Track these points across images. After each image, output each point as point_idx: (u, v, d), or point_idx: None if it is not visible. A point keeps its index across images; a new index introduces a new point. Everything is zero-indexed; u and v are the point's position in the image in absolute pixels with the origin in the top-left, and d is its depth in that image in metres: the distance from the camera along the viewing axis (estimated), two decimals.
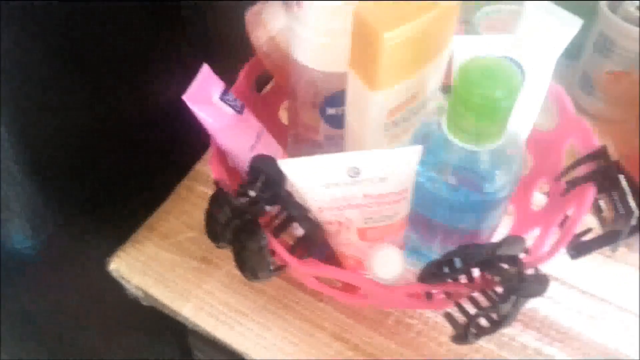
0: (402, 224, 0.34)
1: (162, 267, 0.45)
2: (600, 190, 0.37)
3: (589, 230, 0.38)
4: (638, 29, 0.49)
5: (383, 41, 0.26)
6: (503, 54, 0.35)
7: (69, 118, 0.45)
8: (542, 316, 0.42)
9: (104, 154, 0.50)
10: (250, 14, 0.38)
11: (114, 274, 0.47)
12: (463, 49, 0.33)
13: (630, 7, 0.50)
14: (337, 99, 0.35)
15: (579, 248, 0.38)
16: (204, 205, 0.49)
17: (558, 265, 0.45)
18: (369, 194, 0.30)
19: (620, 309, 0.43)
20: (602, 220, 0.38)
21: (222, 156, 0.37)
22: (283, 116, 0.47)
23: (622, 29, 0.49)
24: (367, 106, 0.30)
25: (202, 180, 0.52)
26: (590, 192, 0.35)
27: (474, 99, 0.27)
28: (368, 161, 0.29)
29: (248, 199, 0.32)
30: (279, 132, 0.43)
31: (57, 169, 0.46)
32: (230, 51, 0.46)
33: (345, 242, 0.34)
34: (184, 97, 0.34)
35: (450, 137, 0.30)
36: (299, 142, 0.41)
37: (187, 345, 0.57)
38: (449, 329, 0.39)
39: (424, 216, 0.36)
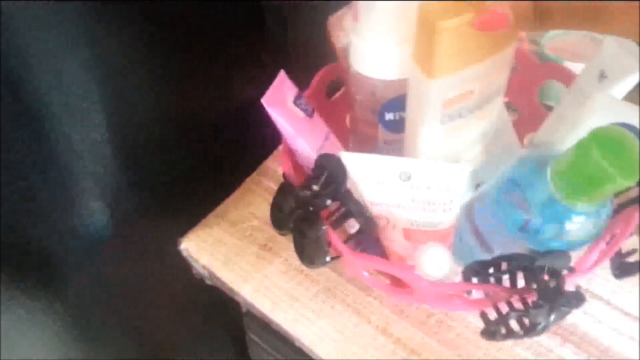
0: (446, 233, 0.36)
1: (227, 250, 0.50)
2: None
3: (634, 251, 0.39)
4: None
5: (439, 27, 0.28)
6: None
7: (155, 112, 0.50)
8: (582, 332, 0.44)
9: (185, 147, 0.55)
10: (333, 18, 0.42)
11: (184, 253, 0.52)
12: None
13: None
14: (395, 104, 0.38)
15: (624, 268, 0.39)
16: (269, 198, 0.53)
17: (603, 285, 0.46)
18: (416, 198, 0.33)
19: None
20: None
21: (292, 154, 0.41)
22: (349, 121, 0.51)
23: None
24: (424, 94, 0.32)
25: (269, 176, 0.56)
26: (636, 213, 0.37)
27: (592, 167, 0.28)
28: (419, 169, 0.32)
29: (311, 192, 0.36)
30: (344, 136, 0.47)
31: (140, 157, 0.51)
32: (307, 58, 0.50)
33: (391, 239, 0.37)
34: (262, 100, 0.38)
35: (552, 188, 0.31)
36: (359, 145, 0.44)
37: (242, 328, 0.61)
38: None
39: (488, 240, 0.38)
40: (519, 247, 0.36)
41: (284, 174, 0.38)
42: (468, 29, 0.29)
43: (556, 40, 0.56)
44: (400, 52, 0.35)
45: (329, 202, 0.36)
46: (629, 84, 0.38)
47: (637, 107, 0.37)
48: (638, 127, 0.37)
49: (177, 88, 0.51)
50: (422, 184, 0.33)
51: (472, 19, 0.28)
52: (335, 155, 0.36)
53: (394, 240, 0.37)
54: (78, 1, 0.38)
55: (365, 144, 0.43)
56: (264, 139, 0.58)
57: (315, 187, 0.36)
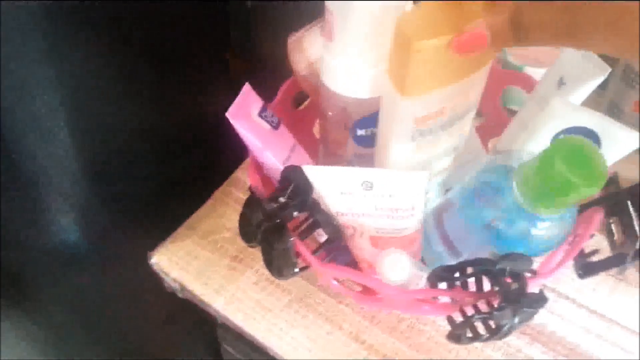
0: (412, 238, 0.37)
1: (198, 264, 0.50)
2: (610, 213, 0.39)
3: (596, 251, 0.40)
4: None
5: (414, 47, 0.28)
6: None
7: (122, 125, 0.49)
8: (549, 331, 0.45)
9: (153, 159, 0.55)
10: (292, 40, 0.42)
11: (155, 267, 0.51)
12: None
13: None
14: (367, 121, 0.38)
15: (587, 268, 0.40)
16: (240, 209, 0.54)
17: (569, 284, 0.47)
18: (380, 206, 0.34)
19: (627, 330, 0.45)
20: (612, 243, 0.41)
21: (259, 167, 0.41)
22: (317, 131, 0.51)
23: None
24: (396, 111, 0.33)
25: (239, 187, 0.56)
26: (597, 214, 0.38)
27: (556, 178, 0.29)
28: (380, 178, 0.33)
29: (278, 204, 0.36)
30: (312, 146, 0.47)
31: (109, 171, 0.51)
32: (274, 70, 0.50)
33: (359, 247, 0.38)
34: (227, 114, 0.38)
35: (518, 196, 0.32)
36: (328, 157, 0.44)
37: (216, 338, 0.61)
38: None
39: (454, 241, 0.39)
40: (487, 251, 0.37)
41: (250, 187, 0.38)
42: (445, 49, 0.29)
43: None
44: (374, 71, 0.35)
45: (296, 213, 0.36)
46: (587, 90, 0.40)
47: (594, 111, 0.38)
48: (595, 131, 0.38)
49: (143, 100, 0.50)
50: (384, 192, 0.33)
51: (450, 41, 0.28)
52: (301, 167, 0.37)
53: (362, 248, 0.38)
54: (37, 11, 0.37)
55: (335, 156, 0.43)
56: (233, 149, 0.59)
57: (281, 199, 0.36)
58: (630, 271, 0.48)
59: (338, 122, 0.40)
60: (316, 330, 0.45)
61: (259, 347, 0.47)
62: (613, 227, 0.43)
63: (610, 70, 0.38)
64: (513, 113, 0.55)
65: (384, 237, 0.36)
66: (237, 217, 0.53)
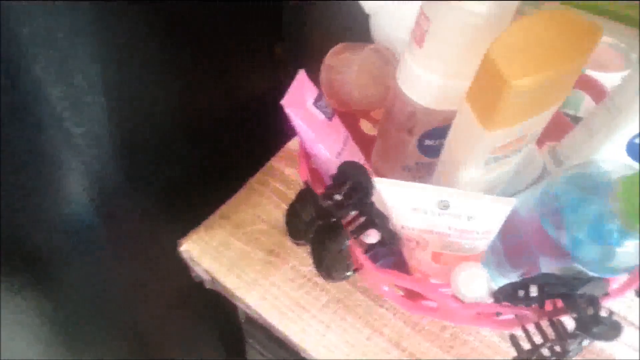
0: (477, 257, 0.34)
1: (232, 255, 0.47)
2: None
3: None
4: None
5: (510, 89, 0.27)
6: None
7: (158, 107, 0.47)
8: (598, 350, 0.42)
9: (186, 143, 0.53)
10: (329, 58, 0.42)
11: (184, 255, 0.49)
12: None
13: None
14: (437, 132, 0.37)
15: None
16: (277, 200, 0.51)
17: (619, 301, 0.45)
18: (454, 226, 0.31)
19: None
20: None
21: (308, 159, 0.39)
22: (364, 127, 0.49)
23: None
24: (476, 142, 0.31)
25: (276, 177, 0.54)
26: None
27: None
28: (460, 199, 0.30)
29: (333, 202, 0.34)
30: (361, 142, 0.44)
31: (140, 153, 0.48)
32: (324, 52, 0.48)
33: (418, 259, 0.35)
34: (282, 102, 0.35)
35: (616, 208, 0.30)
36: (384, 158, 0.42)
37: (237, 328, 0.59)
38: (503, 349, 0.39)
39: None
40: (554, 266, 0.35)
41: (305, 182, 0.36)
42: (538, 87, 0.28)
43: None
44: (455, 84, 0.33)
45: (352, 213, 0.34)
46: None
47: None
48: None
49: (183, 83, 0.48)
50: (461, 214, 0.31)
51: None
52: (360, 164, 0.34)
53: (420, 260, 0.35)
54: None
55: (392, 158, 0.41)
56: (270, 137, 0.56)
57: (337, 197, 0.34)
58: None
59: (404, 127, 0.37)
60: (355, 334, 0.43)
61: (288, 347, 0.44)
62: None
63: None
64: (569, 116, 0.52)
65: (448, 254, 0.34)
66: (273, 209, 0.51)
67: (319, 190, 0.35)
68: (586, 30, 0.31)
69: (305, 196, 0.35)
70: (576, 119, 0.51)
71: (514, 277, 0.38)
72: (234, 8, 0.48)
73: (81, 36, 0.37)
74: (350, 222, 0.35)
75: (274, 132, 0.53)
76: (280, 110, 0.36)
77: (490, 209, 0.31)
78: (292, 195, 0.52)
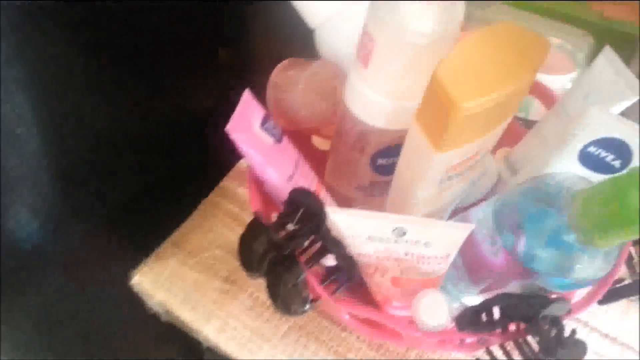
0: (438, 280, 0.33)
1: (185, 285, 0.45)
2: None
3: (621, 280, 0.37)
4: None
5: (459, 112, 0.26)
6: None
7: (99, 124, 0.44)
8: None
9: (131, 165, 0.50)
10: (276, 75, 0.41)
11: (137, 288, 0.47)
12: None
13: None
14: (389, 151, 0.35)
15: (608, 294, 0.38)
16: (231, 223, 0.49)
17: None
18: (411, 252, 0.30)
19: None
20: (631, 269, 0.38)
21: (260, 184, 0.37)
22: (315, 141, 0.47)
23: None
24: (428, 163, 0.30)
25: (229, 197, 0.52)
26: (627, 249, 0.35)
27: (627, 210, 0.26)
28: (416, 226, 0.29)
29: (287, 232, 0.32)
30: (313, 158, 0.43)
31: (84, 179, 0.46)
32: (269, 66, 0.46)
33: (377, 284, 0.34)
34: (227, 128, 0.33)
35: (572, 225, 0.29)
36: (339, 177, 0.41)
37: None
38: None
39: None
40: (511, 281, 0.34)
41: (254, 212, 0.34)
42: (488, 108, 0.27)
43: None
44: (404, 105, 0.32)
45: (306, 242, 0.32)
46: (615, 111, 0.36)
47: (633, 122, 0.35)
48: (627, 143, 0.35)
49: (122, 100, 0.45)
50: (418, 241, 0.30)
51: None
52: (310, 191, 0.33)
53: (381, 285, 0.34)
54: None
55: (345, 176, 0.40)
56: (221, 154, 0.54)
57: (290, 227, 0.32)
58: None
59: (355, 146, 0.36)
60: None
61: None
62: (632, 251, 0.40)
63: None
64: (520, 120, 0.52)
65: (408, 278, 0.33)
66: (228, 232, 0.49)
67: (272, 218, 0.33)
68: (533, 45, 0.30)
69: (256, 227, 0.33)
70: (527, 123, 0.51)
71: (475, 292, 0.37)
72: (171, 12, 0.45)
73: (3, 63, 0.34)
74: (304, 251, 0.34)
75: (224, 149, 0.51)
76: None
77: (447, 235, 0.30)
78: (246, 216, 0.50)
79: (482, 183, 0.43)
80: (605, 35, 0.55)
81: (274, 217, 0.38)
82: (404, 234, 0.29)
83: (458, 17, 0.30)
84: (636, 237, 0.27)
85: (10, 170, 0.40)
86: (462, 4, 0.30)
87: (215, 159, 0.54)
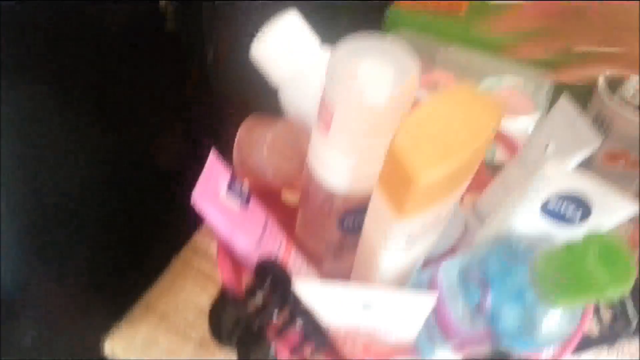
0: (409, 345, 0.34)
1: (159, 351, 0.45)
2: None
3: (588, 337, 0.38)
4: (637, 111, 0.50)
5: (418, 183, 0.26)
6: None
7: (69, 175, 0.44)
8: None
9: (98, 215, 0.49)
10: (243, 131, 0.41)
11: (108, 354, 0.46)
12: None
13: (630, 90, 0.51)
14: (356, 213, 0.36)
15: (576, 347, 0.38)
16: (204, 282, 0.49)
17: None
18: (380, 323, 0.30)
19: None
20: (599, 321, 0.39)
21: (228, 253, 0.37)
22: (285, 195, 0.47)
23: (620, 110, 0.50)
24: (391, 229, 0.30)
25: (201, 254, 0.51)
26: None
27: (586, 276, 0.26)
28: (382, 298, 0.29)
29: (255, 305, 0.32)
30: (283, 211, 0.43)
31: (49, 232, 0.45)
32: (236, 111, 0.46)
33: (350, 352, 0.34)
34: (193, 196, 0.33)
35: (534, 288, 0.30)
36: (308, 234, 0.41)
37: None
38: None
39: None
40: (479, 339, 0.34)
41: (221, 285, 0.34)
42: (447, 174, 0.27)
43: (490, 92, 0.56)
44: (366, 170, 0.32)
45: (275, 316, 0.32)
46: (574, 161, 0.37)
47: (591, 177, 0.35)
48: (586, 198, 0.36)
49: (91, 150, 0.45)
50: (385, 312, 0.30)
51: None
52: (277, 261, 0.33)
53: (352, 353, 0.34)
54: None
55: (314, 236, 0.40)
56: (191, 208, 0.54)
57: (259, 298, 0.32)
58: None
59: (322, 208, 0.36)
60: None
61: None
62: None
63: (600, 140, 0.36)
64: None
65: (379, 345, 0.33)
66: (200, 292, 0.48)
67: (242, 281, 0.33)
68: (489, 108, 0.30)
69: (225, 299, 0.33)
70: (492, 168, 0.52)
71: (447, 349, 0.37)
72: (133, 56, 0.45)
73: None
74: (274, 321, 0.34)
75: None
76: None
77: (415, 304, 0.30)
78: (218, 275, 0.50)
79: (449, 232, 0.43)
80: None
81: (244, 280, 0.38)
82: (371, 306, 0.29)
83: (415, 77, 0.30)
84: (593, 302, 0.27)
85: None
86: (417, 65, 0.31)
87: (186, 213, 0.54)
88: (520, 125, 0.52)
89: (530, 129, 0.53)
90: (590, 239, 0.27)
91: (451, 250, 0.43)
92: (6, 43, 0.33)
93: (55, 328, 0.49)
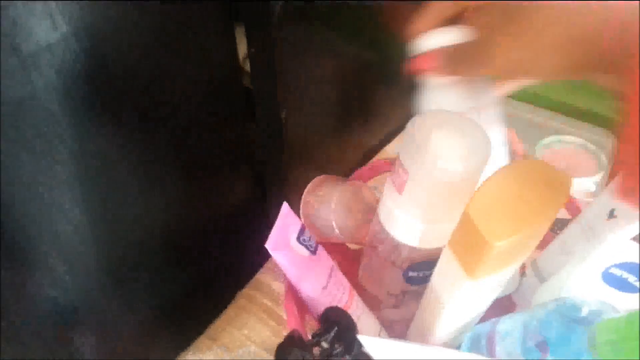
0: None
1: None
2: None
3: None
4: None
5: (492, 249, 0.28)
6: None
7: (146, 214, 0.47)
8: None
9: (172, 251, 0.52)
10: (308, 193, 0.44)
11: None
12: None
13: None
14: (422, 265, 0.38)
15: None
16: (266, 318, 0.51)
17: None
18: None
19: None
20: None
21: (296, 299, 0.39)
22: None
23: None
24: (460, 286, 0.32)
25: (264, 291, 0.54)
26: None
27: None
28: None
29: (319, 348, 0.34)
30: (346, 257, 0.45)
31: (124, 271, 0.48)
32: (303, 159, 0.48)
33: None
34: (267, 245, 0.36)
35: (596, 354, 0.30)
36: (371, 281, 0.43)
37: None
38: None
39: None
40: None
41: (290, 331, 0.36)
42: (519, 242, 0.29)
43: (551, 150, 0.57)
44: (437, 228, 0.35)
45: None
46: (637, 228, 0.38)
47: None
48: None
49: (163, 198, 0.48)
50: None
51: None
52: (344, 311, 0.35)
53: None
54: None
55: (378, 282, 0.42)
56: (254, 248, 0.56)
57: (324, 345, 0.34)
58: None
59: (389, 259, 0.39)
60: None
61: None
62: None
63: None
64: None
65: None
66: (263, 328, 0.51)
67: (303, 330, 0.35)
68: (557, 180, 0.32)
69: (291, 343, 0.35)
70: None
71: None
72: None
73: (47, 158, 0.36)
74: None
75: (258, 242, 0.53)
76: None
77: None
78: (280, 311, 0.52)
79: (504, 290, 0.44)
80: None
81: (307, 325, 0.40)
82: None
83: (485, 154, 0.32)
84: None
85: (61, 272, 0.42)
86: (488, 141, 0.33)
87: (252, 253, 0.57)
88: (584, 186, 0.53)
89: (593, 189, 0.53)
90: None
91: (506, 299, 0.44)
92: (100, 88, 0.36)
93: (118, 352, 0.52)
